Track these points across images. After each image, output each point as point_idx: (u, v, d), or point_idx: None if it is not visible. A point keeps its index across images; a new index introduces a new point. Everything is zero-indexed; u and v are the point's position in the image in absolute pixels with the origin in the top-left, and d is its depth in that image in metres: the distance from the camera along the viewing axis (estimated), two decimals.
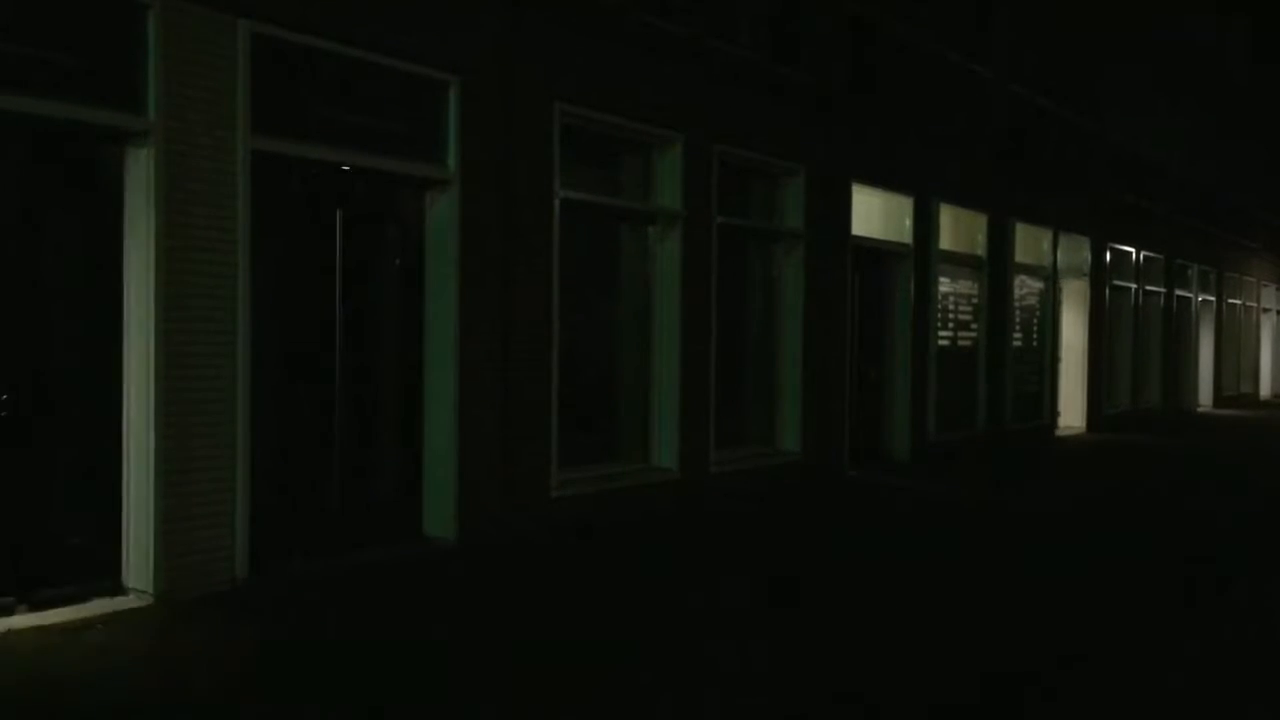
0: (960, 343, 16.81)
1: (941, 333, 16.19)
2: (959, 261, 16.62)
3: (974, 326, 17.19)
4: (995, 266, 17.53)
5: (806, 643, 6.87)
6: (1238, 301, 31.33)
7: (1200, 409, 27.55)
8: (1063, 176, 19.67)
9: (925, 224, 15.52)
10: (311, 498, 8.41)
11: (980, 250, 17.25)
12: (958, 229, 16.62)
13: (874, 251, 14.74)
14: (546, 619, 7.22)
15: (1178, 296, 26.14)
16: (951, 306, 16.57)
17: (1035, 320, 19.33)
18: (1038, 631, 7.23)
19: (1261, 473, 16.43)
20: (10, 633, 6.42)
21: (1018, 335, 18.53)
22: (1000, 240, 17.63)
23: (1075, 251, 20.78)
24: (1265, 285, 33.83)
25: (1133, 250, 23.41)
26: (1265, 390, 34.03)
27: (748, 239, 12.86)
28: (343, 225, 8.56)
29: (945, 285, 16.30)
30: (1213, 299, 28.85)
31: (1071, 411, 21.06)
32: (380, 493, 9.00)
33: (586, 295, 10.81)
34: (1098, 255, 21.50)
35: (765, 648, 6.70)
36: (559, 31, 9.88)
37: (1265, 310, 34.15)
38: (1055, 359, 20.21)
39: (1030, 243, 18.95)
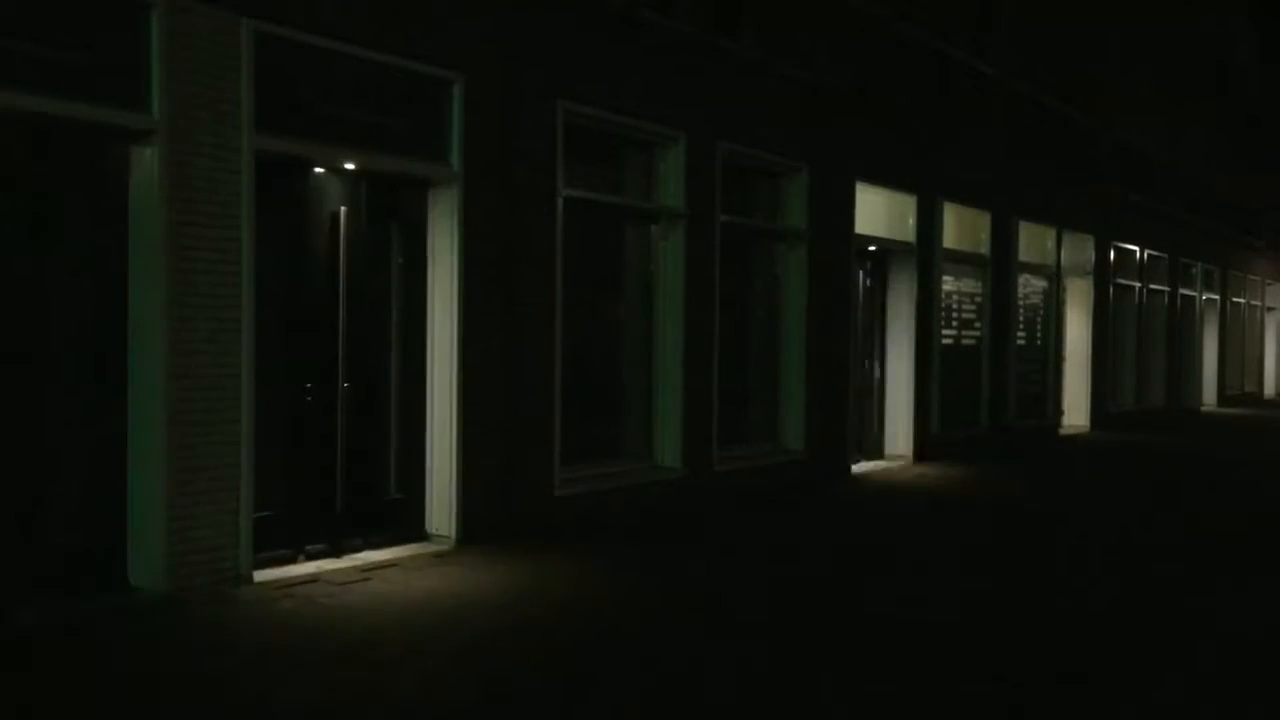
0: (964, 341, 16.81)
1: (945, 331, 16.19)
2: (963, 260, 16.62)
3: (978, 325, 17.18)
4: (999, 265, 17.52)
5: (804, 653, 6.87)
6: (1242, 300, 31.31)
7: (1204, 408, 27.52)
8: (1066, 175, 19.66)
9: (929, 222, 15.51)
10: (315, 496, 8.42)
11: (984, 249, 17.24)
12: (961, 227, 16.62)
13: (878, 250, 14.74)
14: (546, 619, 7.23)
15: (1182, 295, 26.11)
16: (955, 305, 16.56)
17: (1039, 319, 19.32)
18: (1035, 637, 7.24)
19: (1265, 473, 16.43)
20: (13, 631, 6.44)
21: (1021, 334, 18.53)
22: (1004, 238, 17.63)
23: (1079, 250, 20.77)
24: (1270, 284, 33.81)
25: (1137, 249, 23.40)
26: (1269, 389, 34.00)
27: (751, 237, 12.86)
28: (346, 224, 8.57)
29: (949, 284, 16.29)
30: (1217, 297, 28.83)
31: (1075, 410, 21.05)
32: (384, 491, 9.01)
33: (590, 294, 10.82)
34: (1102, 254, 21.49)
35: (759, 651, 6.71)
36: (562, 29, 9.88)
37: (1269, 309, 34.13)
38: (1059, 357, 20.20)
39: (1034, 241, 18.94)
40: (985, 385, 17.27)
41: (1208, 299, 28.15)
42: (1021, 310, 18.52)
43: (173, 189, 7.13)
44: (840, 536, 10.43)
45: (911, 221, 15.28)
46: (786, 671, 6.21)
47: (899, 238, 15.12)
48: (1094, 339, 21.31)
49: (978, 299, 17.17)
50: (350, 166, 8.50)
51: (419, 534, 9.08)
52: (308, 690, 5.72)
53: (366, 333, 8.82)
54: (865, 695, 5.87)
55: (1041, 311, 19.40)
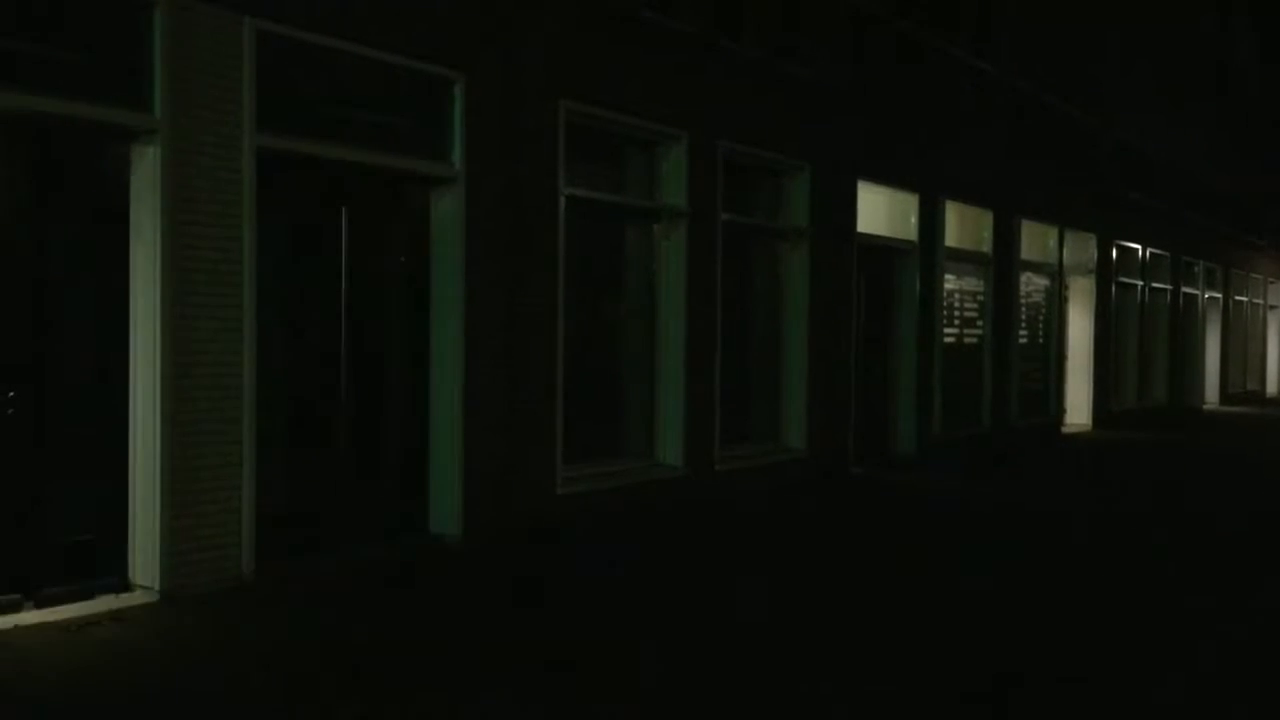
0: (966, 340, 16.80)
1: (947, 330, 16.17)
2: (965, 258, 16.60)
3: (980, 324, 17.17)
4: (1001, 263, 17.50)
5: (809, 653, 6.88)
6: (1244, 298, 31.27)
7: (1206, 406, 27.49)
8: (1069, 173, 19.65)
9: (931, 221, 15.50)
10: (317, 494, 8.42)
11: (986, 247, 17.22)
12: (963, 226, 16.60)
13: (879, 248, 14.73)
14: (545, 618, 7.23)
15: (1184, 293, 26.09)
16: (957, 303, 16.55)
17: (1041, 317, 19.30)
18: (1034, 635, 7.23)
19: (1266, 471, 16.43)
20: (16, 629, 6.44)
21: (1024, 332, 18.51)
22: (1006, 237, 17.61)
23: (1081, 248, 20.76)
24: (1272, 282, 33.77)
25: (1139, 247, 23.37)
26: (1272, 387, 33.96)
27: (753, 236, 12.85)
28: (348, 222, 8.56)
29: (951, 282, 16.27)
30: (1219, 296, 28.79)
31: (1077, 409, 21.03)
32: (386, 490, 9.01)
33: (591, 292, 10.82)
34: (1104, 252, 21.47)
35: (758, 652, 6.71)
36: (563, 28, 9.88)
37: (1272, 307, 34.09)
38: (1061, 356, 20.18)
39: (1036, 240, 18.92)
40: (987, 384, 17.26)
41: (1210, 297, 28.12)
42: (1024, 309, 18.51)
43: (174, 187, 7.13)
44: (838, 538, 10.43)
45: (914, 220, 15.27)
46: None
47: (901, 236, 15.11)
48: (1096, 337, 21.29)
49: (980, 297, 17.15)
50: (352, 165, 8.49)
51: (422, 532, 9.08)
52: None
53: (369, 331, 8.82)
54: (865, 695, 5.88)
55: (1044, 310, 19.38)
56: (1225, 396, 28.90)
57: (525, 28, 9.53)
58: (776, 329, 13.15)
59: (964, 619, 7.41)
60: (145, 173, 7.11)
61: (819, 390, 13.27)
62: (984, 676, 6.22)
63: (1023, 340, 18.46)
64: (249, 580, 7.54)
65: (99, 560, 7.11)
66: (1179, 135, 25.11)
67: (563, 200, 9.88)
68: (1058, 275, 19.71)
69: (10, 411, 6.74)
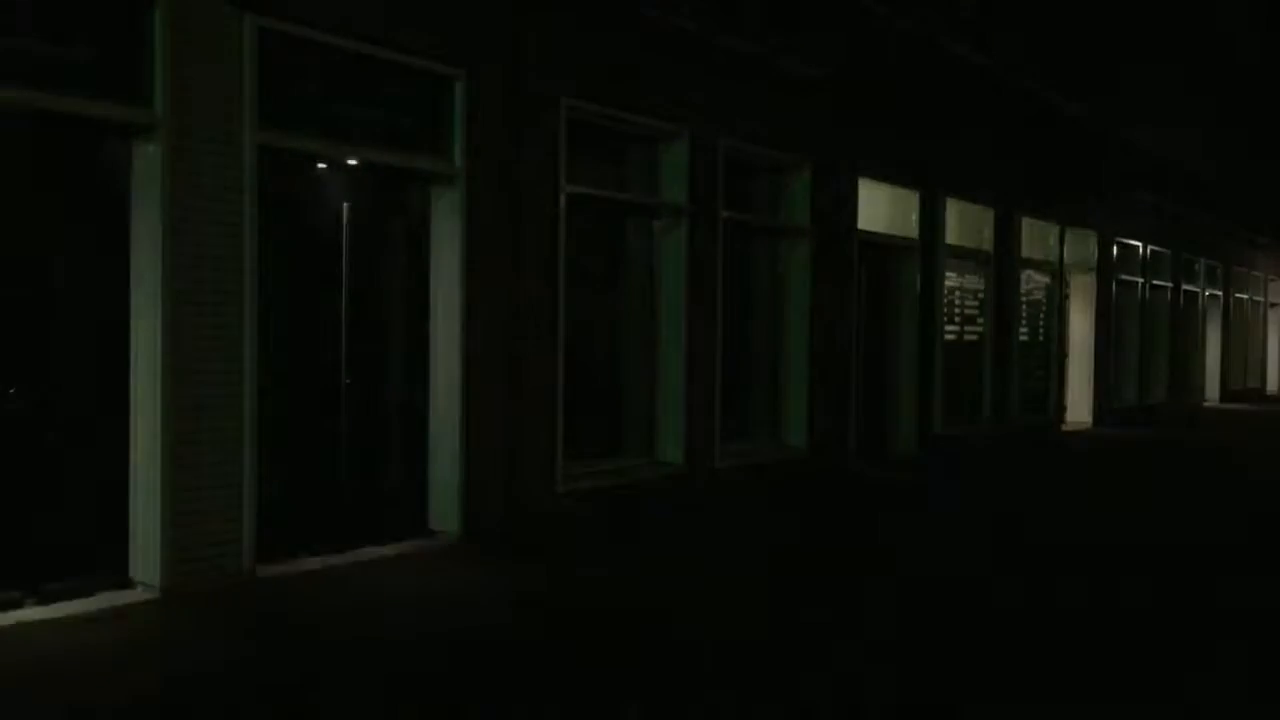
0: (966, 337, 16.79)
1: (948, 327, 16.16)
2: (966, 256, 16.59)
3: (980, 321, 17.16)
4: (1002, 261, 17.50)
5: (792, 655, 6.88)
6: (1245, 296, 31.27)
7: (1207, 404, 27.49)
8: (1070, 171, 19.63)
9: (932, 218, 15.49)
10: (318, 492, 8.43)
11: (987, 245, 17.21)
12: (964, 223, 16.59)
13: (880, 246, 14.72)
14: (546, 617, 7.23)
15: (1185, 291, 26.08)
16: (958, 301, 16.54)
17: (1042, 315, 19.30)
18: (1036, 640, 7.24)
19: (1265, 469, 16.43)
20: (18, 625, 6.44)
21: (1024, 330, 18.51)
22: (1007, 234, 17.61)
23: (1082, 246, 20.75)
24: (1273, 280, 33.76)
25: (1140, 245, 23.37)
26: (1272, 385, 33.96)
27: (753, 233, 12.85)
28: (349, 219, 8.56)
29: (952, 280, 16.27)
30: (1220, 294, 28.78)
31: (1078, 406, 21.03)
32: (386, 487, 9.01)
33: (592, 289, 10.81)
34: (1105, 250, 21.46)
35: (749, 652, 6.71)
36: (564, 26, 9.87)
37: (1273, 305, 34.08)
38: (1062, 354, 20.18)
39: (1037, 237, 18.92)
40: (988, 382, 17.26)
41: (1211, 295, 28.12)
42: (1024, 306, 18.51)
43: (175, 184, 7.13)
44: (829, 536, 10.44)
45: (914, 218, 15.26)
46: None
47: (902, 234, 15.11)
48: (1097, 335, 21.29)
49: (980, 295, 17.15)
50: (353, 162, 8.50)
51: (422, 530, 9.08)
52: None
53: (369, 328, 8.82)
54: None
55: (1044, 307, 19.38)
56: (1226, 394, 28.90)
57: (526, 25, 9.52)
58: (777, 326, 13.14)
59: (963, 616, 7.42)
60: (146, 169, 7.11)
61: (819, 387, 13.27)
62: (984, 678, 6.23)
63: (1023, 338, 18.45)
64: (249, 577, 7.54)
65: (100, 557, 7.11)
66: (1180, 132, 25.08)
67: (563, 197, 9.87)
68: (1058, 273, 19.71)
69: (11, 409, 6.75)
